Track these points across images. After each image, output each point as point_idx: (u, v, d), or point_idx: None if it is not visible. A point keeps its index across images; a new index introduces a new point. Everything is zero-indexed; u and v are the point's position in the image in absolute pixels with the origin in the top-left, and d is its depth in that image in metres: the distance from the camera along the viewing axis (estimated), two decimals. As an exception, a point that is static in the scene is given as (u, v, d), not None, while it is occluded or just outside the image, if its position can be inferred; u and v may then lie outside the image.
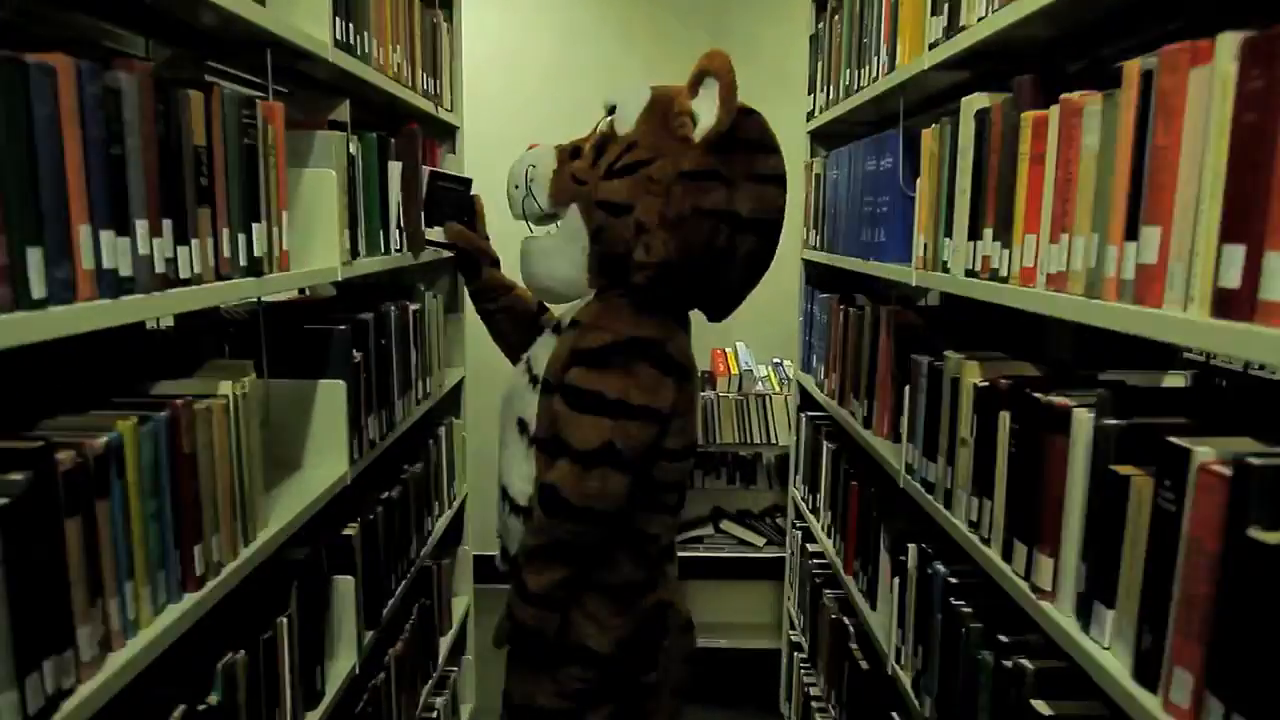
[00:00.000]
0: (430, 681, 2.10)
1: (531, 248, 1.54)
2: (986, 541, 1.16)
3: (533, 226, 1.56)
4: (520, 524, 1.49)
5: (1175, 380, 1.13)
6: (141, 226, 0.86)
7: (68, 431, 0.83)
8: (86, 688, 0.79)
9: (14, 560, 0.69)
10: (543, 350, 1.50)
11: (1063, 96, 0.96)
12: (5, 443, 0.75)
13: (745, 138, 1.41)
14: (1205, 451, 0.74)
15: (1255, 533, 0.66)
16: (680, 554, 2.66)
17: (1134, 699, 0.81)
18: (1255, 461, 0.68)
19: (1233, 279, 0.68)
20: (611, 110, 1.49)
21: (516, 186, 1.54)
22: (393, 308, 1.74)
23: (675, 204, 1.37)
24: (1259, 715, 0.66)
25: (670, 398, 1.41)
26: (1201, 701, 0.73)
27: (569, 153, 1.52)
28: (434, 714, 2.11)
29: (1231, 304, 0.69)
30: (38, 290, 0.72)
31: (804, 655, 2.36)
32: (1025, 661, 1.05)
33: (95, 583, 0.82)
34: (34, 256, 0.72)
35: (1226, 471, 0.71)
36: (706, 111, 1.38)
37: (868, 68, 1.78)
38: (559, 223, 1.51)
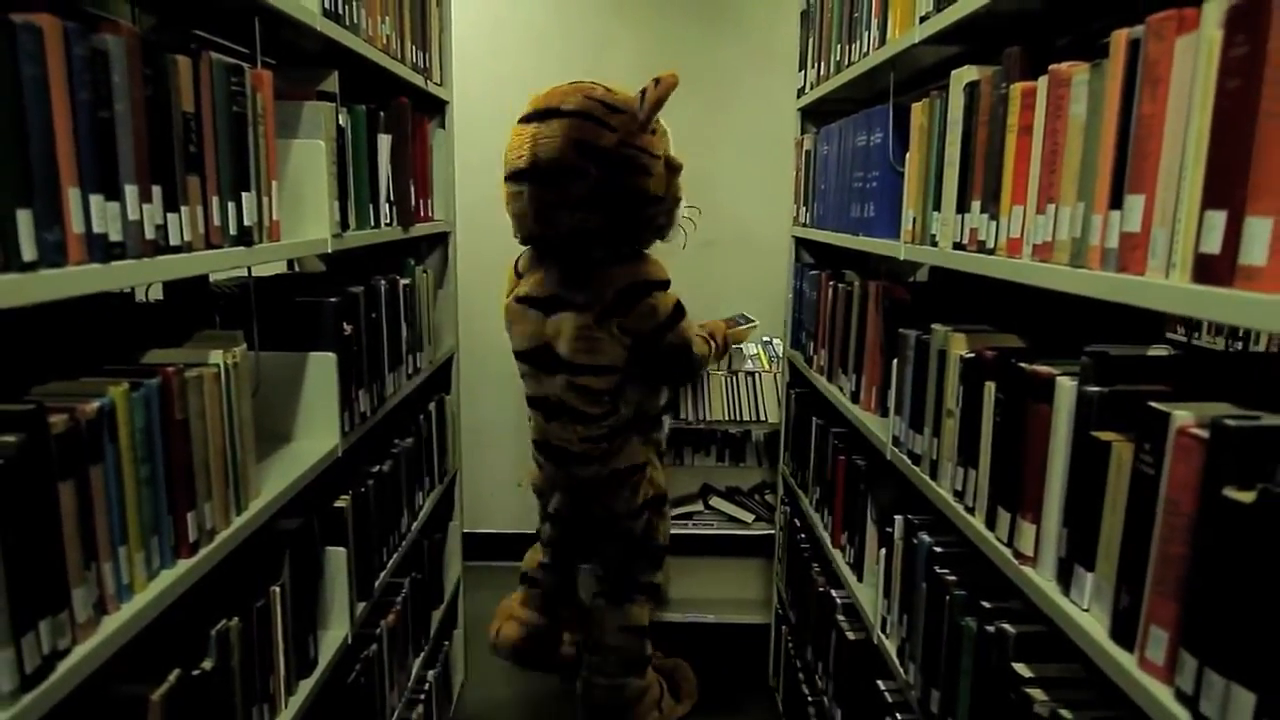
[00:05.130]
0: (422, 654, 2.12)
1: None
2: (971, 510, 1.18)
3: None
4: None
5: (1158, 354, 1.15)
6: (131, 192, 0.86)
7: (60, 397, 0.84)
8: (82, 649, 0.80)
9: (8, 520, 0.70)
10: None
11: (1051, 67, 0.97)
12: (-3, 406, 0.76)
13: None
14: (1184, 415, 0.76)
15: (1230, 492, 0.68)
16: (670, 531, 2.75)
17: (1111, 657, 0.83)
18: (1231, 423, 0.70)
19: (1213, 244, 0.70)
20: None
21: None
22: (383, 281, 1.74)
23: None
24: (1230, 669, 0.68)
25: None
26: (1176, 658, 0.75)
27: None
28: (426, 686, 2.13)
29: (1212, 269, 0.70)
30: (28, 253, 0.72)
31: (792, 628, 2.39)
32: (1007, 626, 1.07)
33: (90, 546, 0.82)
34: (24, 218, 0.72)
35: (1204, 434, 0.73)
36: None
37: (858, 43, 1.78)
38: None
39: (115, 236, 0.84)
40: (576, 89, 1.99)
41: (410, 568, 2.04)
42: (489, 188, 3.34)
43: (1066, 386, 0.94)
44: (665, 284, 2.12)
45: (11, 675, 0.71)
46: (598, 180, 1.92)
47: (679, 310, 2.13)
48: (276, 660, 1.25)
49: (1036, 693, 0.98)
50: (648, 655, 2.28)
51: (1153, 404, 0.79)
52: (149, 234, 0.89)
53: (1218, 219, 0.69)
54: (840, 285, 1.94)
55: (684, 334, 2.15)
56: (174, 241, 0.94)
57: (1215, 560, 0.70)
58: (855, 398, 1.80)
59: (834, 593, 1.95)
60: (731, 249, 3.42)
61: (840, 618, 1.87)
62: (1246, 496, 0.66)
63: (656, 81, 1.95)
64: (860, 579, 1.77)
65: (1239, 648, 0.67)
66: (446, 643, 2.44)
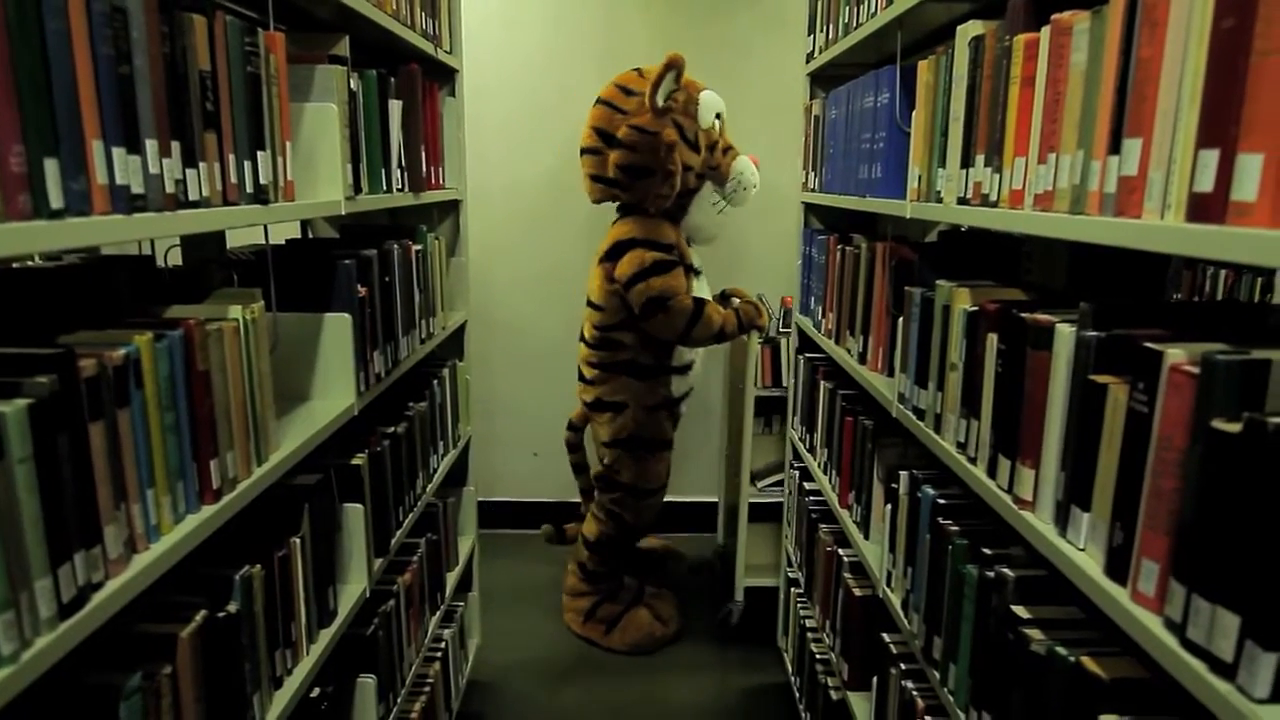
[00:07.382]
0: (438, 613, 2.17)
1: None
2: (973, 460, 1.20)
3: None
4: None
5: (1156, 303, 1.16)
6: (151, 146, 0.89)
7: (87, 346, 0.87)
8: (114, 583, 0.84)
9: (44, 456, 0.73)
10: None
11: (1054, 17, 0.98)
12: (30, 350, 0.79)
13: None
14: (1176, 353, 0.77)
15: (1218, 423, 0.70)
16: (764, 500, 2.93)
17: (1105, 592, 0.85)
18: (1221, 358, 0.71)
19: (1206, 183, 0.71)
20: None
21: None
22: (396, 246, 1.76)
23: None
24: (1216, 594, 0.70)
25: None
26: (1166, 588, 0.77)
27: None
28: (442, 644, 2.18)
29: (1205, 207, 0.71)
30: (56, 200, 0.75)
31: (800, 590, 2.43)
32: (1007, 570, 1.10)
33: (120, 487, 0.86)
34: (51, 167, 0.74)
35: (1195, 370, 0.74)
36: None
37: (867, 3, 1.77)
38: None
39: (137, 189, 0.86)
40: (617, 77, 2.52)
41: (426, 528, 2.09)
42: (501, 162, 3.36)
43: (1065, 333, 0.96)
44: (651, 243, 2.43)
45: (50, 603, 0.74)
46: (611, 158, 2.43)
47: (654, 268, 2.40)
48: (298, 608, 1.30)
49: (1034, 632, 1.01)
50: (591, 569, 2.78)
51: (1147, 344, 0.81)
52: (169, 188, 0.92)
53: (1211, 157, 0.70)
54: (848, 248, 1.95)
55: (655, 289, 2.42)
56: (193, 196, 0.97)
57: (1204, 491, 0.72)
58: (862, 359, 1.82)
59: (841, 551, 1.98)
60: (747, 219, 3.42)
61: (847, 575, 1.90)
62: (1234, 427, 0.68)
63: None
64: (867, 537, 1.80)
65: (1224, 572, 0.69)
66: (462, 605, 2.49)
